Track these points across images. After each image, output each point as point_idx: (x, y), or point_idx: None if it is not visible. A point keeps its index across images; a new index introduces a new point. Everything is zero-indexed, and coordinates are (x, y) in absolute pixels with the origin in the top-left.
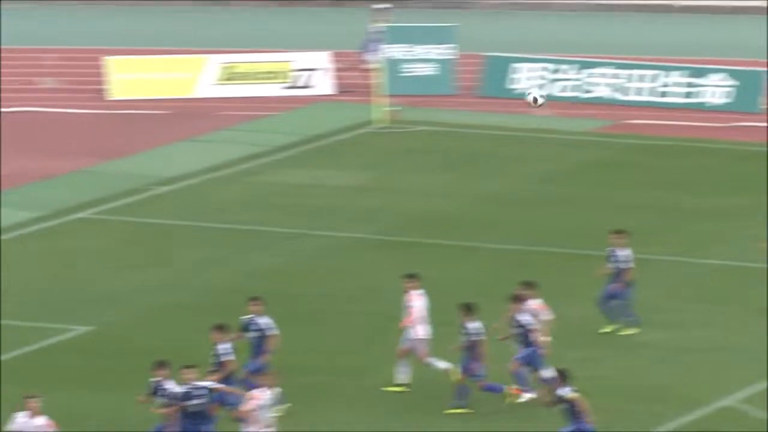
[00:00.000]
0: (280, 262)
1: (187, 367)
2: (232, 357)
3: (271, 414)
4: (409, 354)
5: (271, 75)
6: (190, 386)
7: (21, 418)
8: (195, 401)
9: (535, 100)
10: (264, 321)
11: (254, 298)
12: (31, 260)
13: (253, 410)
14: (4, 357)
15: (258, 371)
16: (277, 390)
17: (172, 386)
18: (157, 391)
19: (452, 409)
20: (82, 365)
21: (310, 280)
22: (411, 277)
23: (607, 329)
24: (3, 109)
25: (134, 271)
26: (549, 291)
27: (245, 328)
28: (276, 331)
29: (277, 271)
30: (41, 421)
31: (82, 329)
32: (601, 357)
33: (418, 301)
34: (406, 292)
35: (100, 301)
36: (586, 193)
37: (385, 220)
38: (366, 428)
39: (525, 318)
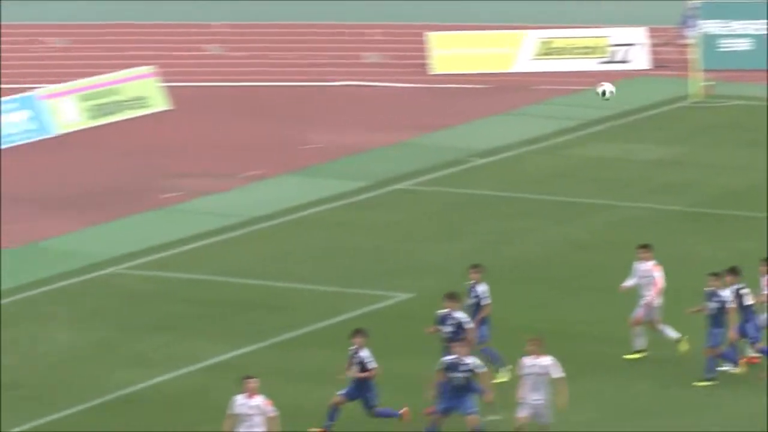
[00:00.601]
0: (590, 233)
1: (459, 341)
2: (471, 325)
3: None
4: (644, 322)
5: (588, 50)
6: (455, 358)
7: (240, 400)
8: (458, 374)
9: (604, 93)
10: (482, 289)
11: (475, 266)
12: (354, 229)
13: (523, 375)
14: (327, 322)
15: (482, 338)
16: (547, 358)
17: (366, 355)
18: (353, 358)
19: (703, 381)
20: (404, 331)
21: (619, 250)
22: (645, 247)
23: None
24: (329, 83)
25: (451, 240)
26: None
27: (468, 294)
28: (490, 300)
29: (586, 242)
30: (259, 401)
31: (402, 296)
32: None
33: (658, 272)
34: (640, 261)
35: (419, 269)
36: None
37: (695, 193)
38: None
39: None
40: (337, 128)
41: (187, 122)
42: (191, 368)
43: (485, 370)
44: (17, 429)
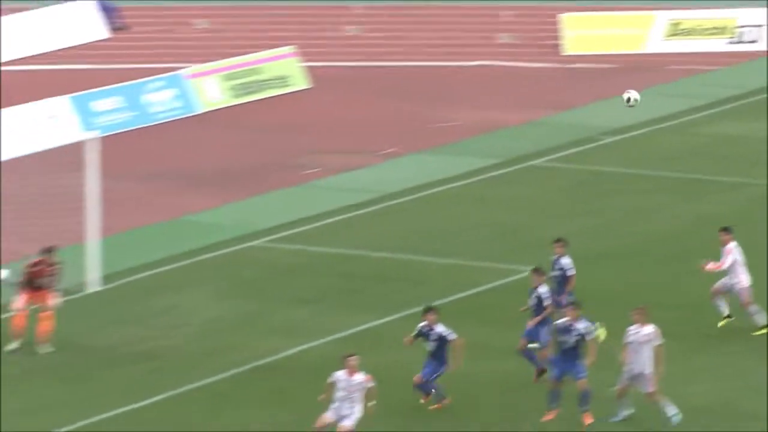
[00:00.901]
0: (718, 210)
1: (573, 305)
2: (549, 301)
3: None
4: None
5: (717, 30)
6: (567, 322)
7: (341, 377)
8: (569, 338)
9: (629, 100)
10: (566, 261)
11: (558, 240)
12: (488, 205)
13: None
14: (462, 294)
15: (562, 306)
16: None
17: (442, 329)
18: (423, 334)
19: None
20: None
21: (747, 227)
22: (726, 230)
23: None
24: (464, 63)
25: (581, 216)
26: None
27: (552, 267)
28: (574, 271)
29: (715, 219)
30: (360, 377)
31: (528, 271)
32: None
33: (730, 254)
34: (723, 245)
35: (550, 243)
36: None
37: None
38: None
39: None
40: (471, 107)
41: (326, 101)
42: (333, 337)
43: (595, 335)
44: (162, 396)
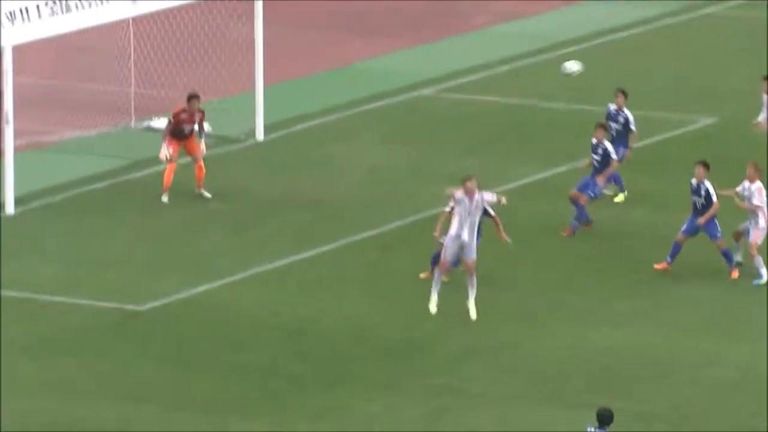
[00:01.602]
0: None
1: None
2: (615, 156)
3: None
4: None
5: None
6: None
7: (459, 195)
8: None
9: (566, 69)
10: (628, 114)
11: (620, 90)
12: (659, 54)
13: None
14: (640, 144)
15: (622, 159)
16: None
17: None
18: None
19: None
20: (705, 154)
21: None
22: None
23: None
24: None
25: (755, 65)
26: None
27: (608, 118)
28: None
29: None
30: (479, 197)
31: (705, 121)
32: None
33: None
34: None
35: (721, 94)
36: None
37: None
38: None
39: None
40: None
41: None
42: (505, 187)
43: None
44: (328, 247)
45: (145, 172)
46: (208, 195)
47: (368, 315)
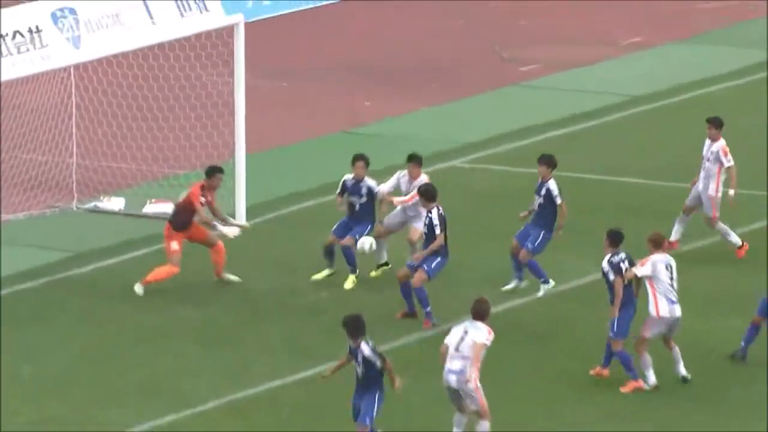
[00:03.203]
0: None
1: None
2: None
3: None
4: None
5: None
6: None
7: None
8: None
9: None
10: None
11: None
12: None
13: None
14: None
15: None
16: None
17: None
18: None
19: None
20: None
21: None
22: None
23: None
24: None
25: None
26: None
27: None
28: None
29: None
30: None
31: None
32: None
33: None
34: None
35: None
36: None
37: None
38: None
39: None
40: None
41: None
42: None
43: None
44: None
45: (90, 267)
46: (234, 278)
47: None
